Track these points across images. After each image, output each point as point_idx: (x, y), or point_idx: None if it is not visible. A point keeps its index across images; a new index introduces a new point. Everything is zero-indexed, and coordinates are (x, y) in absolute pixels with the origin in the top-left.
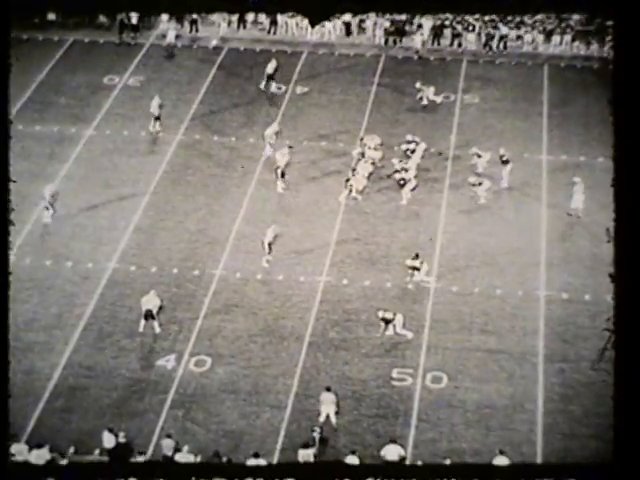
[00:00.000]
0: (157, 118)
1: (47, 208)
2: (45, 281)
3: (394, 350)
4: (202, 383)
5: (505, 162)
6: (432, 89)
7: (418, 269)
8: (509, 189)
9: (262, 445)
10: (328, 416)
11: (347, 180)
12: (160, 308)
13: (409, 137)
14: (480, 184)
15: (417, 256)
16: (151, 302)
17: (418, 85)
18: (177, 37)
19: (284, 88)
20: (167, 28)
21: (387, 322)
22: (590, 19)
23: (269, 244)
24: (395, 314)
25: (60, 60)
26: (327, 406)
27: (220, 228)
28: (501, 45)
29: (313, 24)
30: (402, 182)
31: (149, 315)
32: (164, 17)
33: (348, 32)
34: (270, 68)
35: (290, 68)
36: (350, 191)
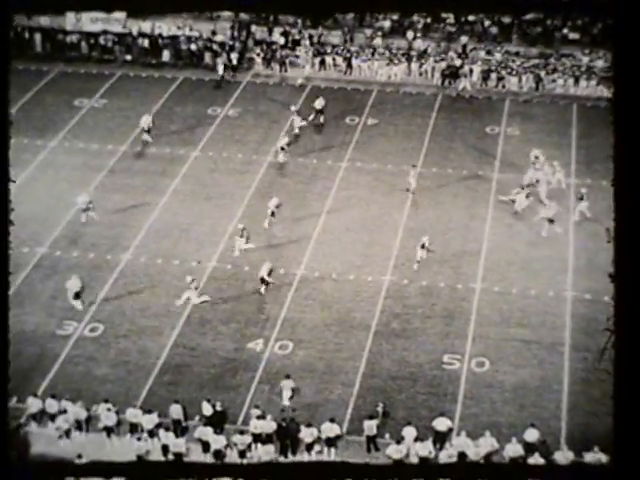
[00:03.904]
0: (147, 131)
1: (89, 209)
2: (156, 276)
3: (445, 339)
4: (285, 363)
5: (581, 198)
6: (298, 118)
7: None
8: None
9: (334, 416)
10: (291, 397)
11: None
12: (82, 288)
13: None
14: (518, 193)
15: (242, 233)
16: (76, 285)
17: (293, 108)
18: (225, 69)
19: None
20: (217, 62)
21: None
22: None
23: (262, 279)
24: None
25: (172, 94)
26: (286, 390)
27: (302, 235)
28: (540, 87)
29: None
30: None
31: (78, 295)
32: (258, 59)
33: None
34: (318, 104)
35: (363, 103)
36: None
